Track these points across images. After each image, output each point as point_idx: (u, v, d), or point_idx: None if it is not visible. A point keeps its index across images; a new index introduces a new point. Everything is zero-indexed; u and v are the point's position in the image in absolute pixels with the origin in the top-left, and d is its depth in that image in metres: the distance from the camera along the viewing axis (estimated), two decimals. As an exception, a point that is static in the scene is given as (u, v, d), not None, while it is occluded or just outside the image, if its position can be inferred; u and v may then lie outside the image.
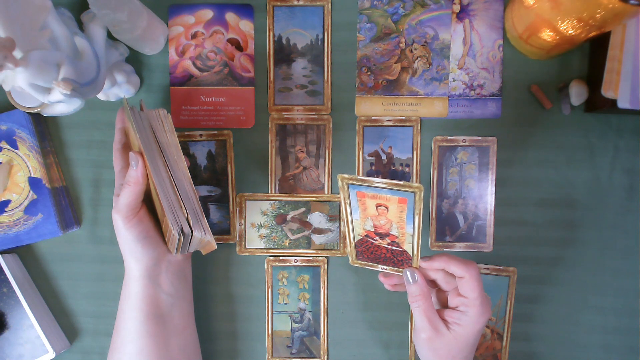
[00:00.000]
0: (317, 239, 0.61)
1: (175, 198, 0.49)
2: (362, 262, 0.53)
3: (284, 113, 0.61)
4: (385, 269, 0.52)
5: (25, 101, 0.57)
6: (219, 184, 0.61)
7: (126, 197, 0.49)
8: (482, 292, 0.46)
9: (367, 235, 0.50)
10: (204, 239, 0.51)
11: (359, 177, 0.45)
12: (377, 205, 0.46)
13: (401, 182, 0.43)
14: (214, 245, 0.52)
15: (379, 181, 0.44)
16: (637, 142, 0.59)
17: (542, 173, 0.60)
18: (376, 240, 0.49)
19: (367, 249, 0.51)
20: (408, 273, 0.49)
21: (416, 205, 0.44)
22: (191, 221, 0.49)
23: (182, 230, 0.49)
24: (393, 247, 0.49)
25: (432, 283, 0.50)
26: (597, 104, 0.56)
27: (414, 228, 0.46)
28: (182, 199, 0.49)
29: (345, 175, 0.45)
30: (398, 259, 0.50)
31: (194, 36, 0.60)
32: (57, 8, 0.48)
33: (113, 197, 0.50)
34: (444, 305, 0.50)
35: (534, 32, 0.54)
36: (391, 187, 0.44)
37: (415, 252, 0.48)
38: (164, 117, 0.52)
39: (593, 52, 0.58)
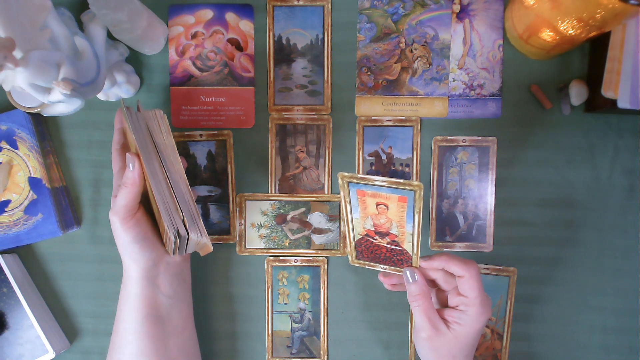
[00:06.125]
0: (317, 239, 0.61)
1: (171, 200, 0.49)
2: (362, 262, 0.53)
3: (284, 113, 0.61)
4: (385, 269, 0.52)
5: (25, 101, 0.57)
6: (219, 184, 0.61)
7: (123, 198, 0.48)
8: (482, 291, 0.46)
9: (367, 235, 0.50)
10: (201, 241, 0.51)
11: (359, 176, 0.45)
12: (377, 204, 0.46)
13: (401, 181, 0.43)
14: (210, 247, 0.52)
15: (379, 179, 0.44)
16: (637, 142, 0.59)
17: (542, 173, 0.60)
18: (376, 239, 0.49)
19: (367, 248, 0.51)
20: (408, 272, 0.49)
21: (416, 203, 0.44)
22: (187, 223, 0.49)
23: (178, 232, 0.48)
24: (393, 247, 0.49)
25: (432, 282, 0.50)
26: (597, 104, 0.56)
27: (413, 227, 0.46)
28: (178, 200, 0.49)
29: (346, 174, 0.45)
30: (398, 258, 0.50)
31: (194, 36, 0.60)
32: (57, 8, 0.49)
33: (111, 198, 0.50)
34: (443, 304, 0.50)
35: (534, 32, 0.54)
36: (391, 186, 0.44)
37: (415, 251, 0.48)
38: (160, 118, 0.52)
39: (593, 52, 0.58)
